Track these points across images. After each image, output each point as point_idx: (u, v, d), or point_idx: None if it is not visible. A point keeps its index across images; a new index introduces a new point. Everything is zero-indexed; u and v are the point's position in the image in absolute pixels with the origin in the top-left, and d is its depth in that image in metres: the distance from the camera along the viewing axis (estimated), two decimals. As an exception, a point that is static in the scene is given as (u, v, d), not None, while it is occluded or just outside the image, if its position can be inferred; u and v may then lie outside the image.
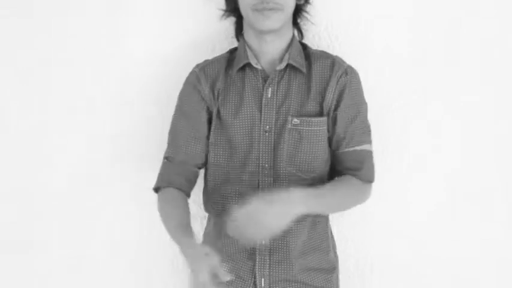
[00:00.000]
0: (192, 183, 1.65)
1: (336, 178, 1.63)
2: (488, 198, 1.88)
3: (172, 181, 1.62)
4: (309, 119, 1.58)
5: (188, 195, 1.64)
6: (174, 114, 1.68)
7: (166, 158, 1.66)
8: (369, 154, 1.65)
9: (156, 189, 1.64)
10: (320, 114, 1.60)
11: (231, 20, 1.73)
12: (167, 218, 1.56)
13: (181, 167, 1.63)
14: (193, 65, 1.70)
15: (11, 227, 1.94)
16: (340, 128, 1.61)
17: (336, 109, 1.61)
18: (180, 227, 1.50)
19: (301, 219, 1.57)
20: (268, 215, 1.40)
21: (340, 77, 1.61)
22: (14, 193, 1.93)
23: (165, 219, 1.57)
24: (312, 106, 1.59)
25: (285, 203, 1.42)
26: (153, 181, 1.79)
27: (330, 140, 1.64)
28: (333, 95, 1.60)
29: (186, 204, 1.60)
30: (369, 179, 1.65)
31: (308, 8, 1.71)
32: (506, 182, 1.88)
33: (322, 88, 1.60)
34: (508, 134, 1.87)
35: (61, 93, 1.88)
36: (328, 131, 1.62)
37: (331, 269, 1.66)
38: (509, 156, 1.87)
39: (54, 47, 1.86)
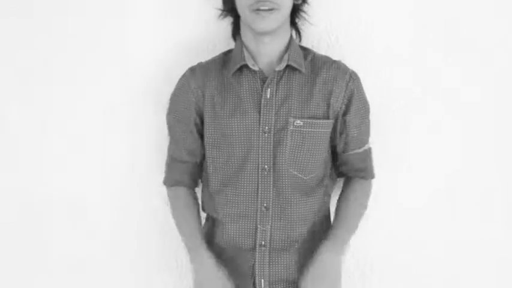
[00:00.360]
0: (196, 176, 1.73)
1: (342, 193, 1.69)
2: (488, 198, 1.88)
3: (178, 180, 1.70)
4: (314, 121, 1.58)
5: (196, 186, 1.73)
6: (168, 116, 1.70)
7: (170, 155, 1.72)
8: (369, 152, 1.71)
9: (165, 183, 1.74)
10: (326, 117, 1.60)
11: (231, 20, 1.72)
12: (179, 223, 1.67)
13: (185, 165, 1.69)
14: (193, 64, 1.70)
15: (11, 227, 1.94)
16: (348, 132, 1.64)
17: (344, 114, 1.62)
18: (193, 235, 1.62)
19: (301, 221, 1.58)
20: (324, 282, 1.51)
21: (348, 82, 1.62)
22: (14, 193, 1.92)
23: (177, 224, 1.68)
24: (315, 108, 1.59)
25: (327, 264, 1.53)
26: (151, 181, 1.80)
27: (335, 143, 1.66)
28: (343, 99, 1.61)
29: (196, 204, 1.70)
30: (372, 176, 1.72)
31: (306, 8, 1.71)
32: (506, 182, 1.88)
33: (328, 91, 1.60)
34: (508, 134, 1.87)
35: (60, 93, 1.88)
36: (334, 133, 1.64)
37: (331, 270, 1.67)
38: (509, 156, 1.88)
39: (54, 47, 1.86)
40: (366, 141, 1.69)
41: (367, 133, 1.69)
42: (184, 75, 1.68)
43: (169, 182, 1.72)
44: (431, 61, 1.82)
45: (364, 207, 1.69)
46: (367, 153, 1.70)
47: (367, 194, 1.71)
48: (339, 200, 1.69)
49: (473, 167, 1.87)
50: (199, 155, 1.69)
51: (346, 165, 1.69)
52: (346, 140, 1.65)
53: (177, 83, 1.68)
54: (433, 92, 1.84)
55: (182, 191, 1.70)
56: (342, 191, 1.71)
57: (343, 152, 1.67)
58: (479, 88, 1.84)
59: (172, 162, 1.71)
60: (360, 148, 1.67)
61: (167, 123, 1.71)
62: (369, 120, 1.69)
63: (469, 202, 1.88)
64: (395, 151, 1.86)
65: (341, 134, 1.64)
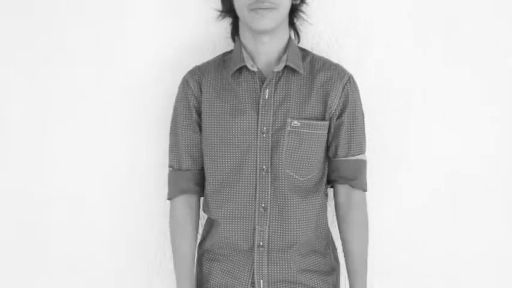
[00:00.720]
0: (201, 185, 1.68)
1: (343, 222, 1.68)
2: (488, 198, 1.88)
3: (183, 188, 1.66)
4: (311, 122, 1.58)
5: (201, 196, 1.69)
6: (172, 123, 1.69)
7: (171, 166, 1.69)
8: (364, 164, 1.68)
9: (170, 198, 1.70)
10: (323, 118, 1.60)
11: (230, 21, 1.72)
12: (175, 253, 1.68)
13: (188, 173, 1.67)
14: (194, 65, 1.70)
15: (11, 227, 1.94)
16: (341, 136, 1.63)
17: (339, 116, 1.62)
18: (184, 275, 1.65)
19: (300, 222, 1.58)
20: None
21: (346, 84, 1.62)
22: (14, 193, 1.92)
23: (173, 251, 1.69)
24: (313, 109, 1.60)
25: None
26: (151, 181, 1.79)
27: (327, 146, 1.65)
28: (339, 101, 1.61)
29: (195, 226, 1.68)
30: (364, 188, 1.68)
31: (305, 8, 1.71)
32: (506, 182, 1.88)
33: (325, 93, 1.61)
34: (508, 134, 1.87)
35: (60, 93, 1.88)
36: (328, 136, 1.63)
37: (329, 271, 1.67)
38: (509, 156, 1.87)
39: (54, 47, 1.86)
40: (360, 151, 1.66)
41: (360, 141, 1.66)
42: (183, 78, 1.68)
43: (174, 192, 1.67)
44: (431, 61, 1.83)
45: (366, 229, 1.70)
46: (360, 163, 1.66)
47: (365, 215, 1.69)
48: (343, 232, 1.68)
49: (473, 167, 1.87)
50: (201, 162, 1.67)
51: (336, 172, 1.66)
52: (337, 145, 1.64)
53: (178, 90, 1.69)
54: (433, 92, 1.84)
55: (184, 208, 1.66)
56: (339, 214, 1.69)
57: (334, 156, 1.65)
58: (478, 88, 1.84)
59: (175, 173, 1.68)
60: (353, 156, 1.65)
61: (171, 130, 1.69)
62: (362, 129, 1.67)
63: (469, 202, 1.88)
64: (395, 151, 1.86)
65: (333, 137, 1.64)
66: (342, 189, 1.67)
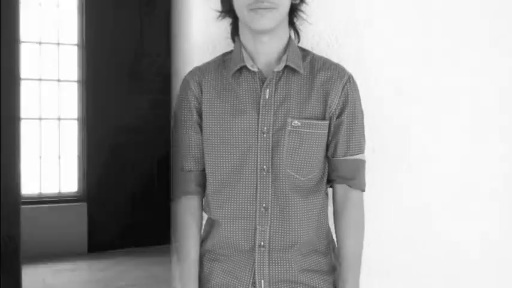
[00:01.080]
0: (204, 185, 1.69)
1: (343, 221, 1.66)
2: (488, 198, 1.89)
3: (185, 190, 1.67)
4: (311, 121, 1.58)
5: (203, 196, 1.69)
6: (173, 126, 1.69)
7: (175, 167, 1.69)
8: (362, 164, 1.67)
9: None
10: (323, 117, 1.61)
11: (230, 21, 1.72)
12: (179, 254, 1.67)
13: (191, 174, 1.67)
14: (194, 65, 1.70)
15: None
16: (340, 135, 1.63)
17: (339, 116, 1.62)
18: (188, 275, 1.64)
19: (301, 222, 1.59)
20: None
21: (345, 83, 1.62)
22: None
23: (177, 252, 1.69)
24: (313, 109, 1.60)
25: None
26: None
27: (327, 146, 1.65)
28: (339, 100, 1.61)
29: (199, 227, 1.68)
30: (362, 188, 1.68)
31: (304, 7, 1.70)
32: (506, 181, 1.89)
33: (325, 92, 1.61)
34: (509, 133, 1.87)
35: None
36: (328, 135, 1.64)
37: (330, 271, 1.67)
38: (509, 155, 1.88)
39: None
40: (358, 151, 1.65)
41: (359, 141, 1.65)
42: (183, 79, 1.68)
43: (177, 193, 1.68)
44: (431, 61, 1.83)
45: (362, 228, 1.68)
46: (358, 163, 1.65)
47: (362, 214, 1.68)
48: (338, 229, 1.66)
49: (473, 166, 1.87)
50: (204, 163, 1.66)
51: (335, 172, 1.66)
52: (336, 144, 1.64)
53: (179, 92, 1.69)
54: (433, 91, 1.84)
55: (187, 208, 1.66)
56: (336, 212, 1.67)
57: (333, 156, 1.65)
58: (479, 88, 1.84)
59: (178, 173, 1.68)
60: (351, 156, 1.64)
61: (172, 131, 1.69)
62: (362, 129, 1.67)
63: (469, 202, 1.88)
64: (395, 151, 1.86)
65: (332, 137, 1.64)
66: (340, 188, 1.66)
